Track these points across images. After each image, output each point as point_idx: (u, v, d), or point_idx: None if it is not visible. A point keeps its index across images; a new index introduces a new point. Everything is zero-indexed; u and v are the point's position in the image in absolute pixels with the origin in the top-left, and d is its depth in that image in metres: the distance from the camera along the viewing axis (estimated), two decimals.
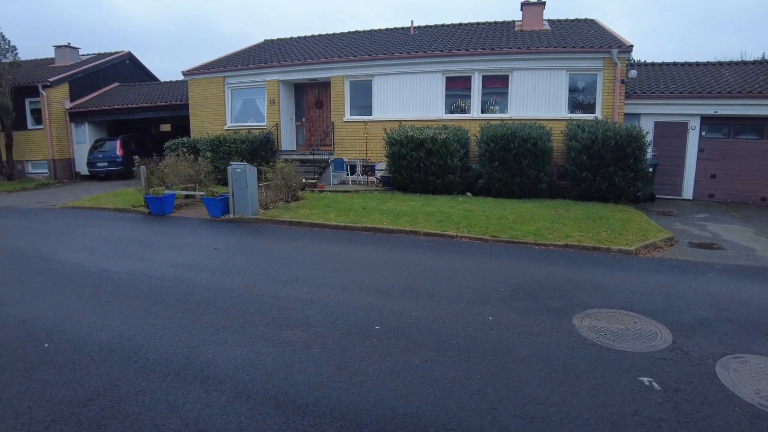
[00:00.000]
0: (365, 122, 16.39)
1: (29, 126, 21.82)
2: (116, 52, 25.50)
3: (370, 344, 4.61)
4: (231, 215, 10.99)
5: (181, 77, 24.13)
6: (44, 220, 11.81)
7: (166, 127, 27.31)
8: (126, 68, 25.58)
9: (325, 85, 17.77)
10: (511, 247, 8.73)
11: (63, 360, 4.31)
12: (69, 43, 24.34)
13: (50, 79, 20.99)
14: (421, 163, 13.58)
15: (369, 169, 16.39)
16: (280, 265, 7.48)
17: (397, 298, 5.88)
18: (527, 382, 3.92)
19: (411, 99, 16.02)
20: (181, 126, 26.61)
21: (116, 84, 24.52)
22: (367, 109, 16.67)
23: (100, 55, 25.35)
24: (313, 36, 21.96)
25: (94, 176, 21.16)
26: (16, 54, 20.63)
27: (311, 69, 16.97)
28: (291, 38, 22.32)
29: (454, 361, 4.27)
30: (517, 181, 13.38)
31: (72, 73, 22.21)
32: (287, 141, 17.98)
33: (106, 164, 20.55)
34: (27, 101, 21.55)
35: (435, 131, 13.74)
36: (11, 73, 20.13)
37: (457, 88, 15.81)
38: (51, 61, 24.72)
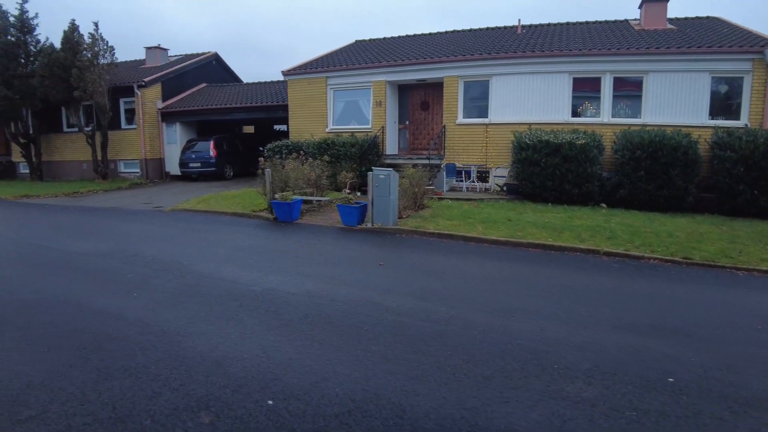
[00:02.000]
0: (486, 125, 15.38)
1: (122, 125, 21.97)
2: (203, 53, 25.55)
3: (685, 405, 3.67)
4: (369, 224, 10.18)
5: (262, 79, 24.09)
6: (161, 224, 11.37)
7: (249, 129, 27.18)
8: (212, 69, 25.59)
9: (432, 86, 16.93)
10: (711, 271, 7.74)
11: (310, 429, 3.29)
12: (159, 45, 24.53)
13: (145, 80, 21.09)
14: (556, 170, 12.50)
15: (484, 175, 15.43)
16: (474, 288, 6.59)
17: (652, 338, 4.91)
18: None
19: (533, 100, 14.89)
20: (264, 127, 26.49)
21: (204, 85, 24.52)
22: (481, 110, 15.66)
23: (187, 56, 25.45)
24: (407, 36, 21.21)
25: (185, 177, 21.05)
26: (114, 55, 20.77)
27: (421, 69, 16.13)
28: (383, 38, 21.65)
29: None
30: (663, 193, 12.16)
31: (165, 73, 22.31)
32: (390, 144, 17.22)
33: (198, 165, 20.36)
34: (122, 101, 21.72)
35: (572, 135, 12.63)
36: (109, 74, 20.27)
37: (583, 90, 14.62)
38: (141, 62, 24.99)
